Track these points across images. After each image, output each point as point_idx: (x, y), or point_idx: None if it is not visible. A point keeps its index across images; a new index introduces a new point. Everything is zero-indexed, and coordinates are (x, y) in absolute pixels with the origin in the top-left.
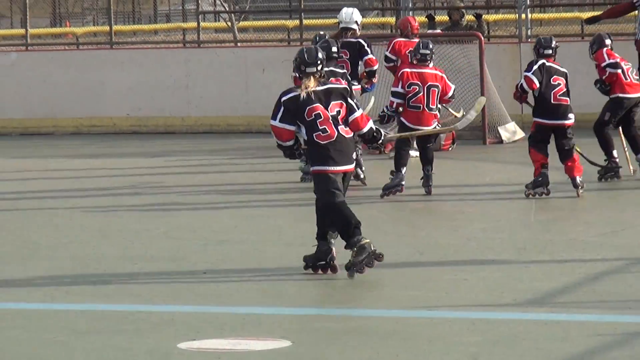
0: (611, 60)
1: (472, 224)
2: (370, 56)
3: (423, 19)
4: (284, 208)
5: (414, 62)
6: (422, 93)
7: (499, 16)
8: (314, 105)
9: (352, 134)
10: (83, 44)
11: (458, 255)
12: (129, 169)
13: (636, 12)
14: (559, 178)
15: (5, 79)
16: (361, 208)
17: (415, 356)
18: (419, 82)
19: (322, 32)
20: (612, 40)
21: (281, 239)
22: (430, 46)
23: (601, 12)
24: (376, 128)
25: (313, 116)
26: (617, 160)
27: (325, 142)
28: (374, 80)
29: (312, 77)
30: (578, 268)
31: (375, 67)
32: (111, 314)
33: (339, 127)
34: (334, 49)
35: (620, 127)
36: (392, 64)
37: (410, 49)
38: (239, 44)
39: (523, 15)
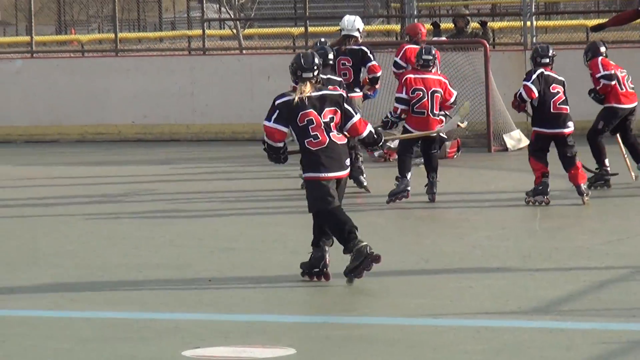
0: (606, 72)
1: (477, 231)
2: (374, 63)
3: (428, 26)
4: (289, 215)
5: (417, 67)
6: (426, 98)
7: (504, 23)
8: (308, 110)
9: (345, 141)
10: (88, 52)
11: (463, 263)
12: (134, 177)
13: None
14: (563, 186)
15: (10, 86)
16: (367, 216)
17: None
18: (423, 88)
19: (323, 39)
20: (606, 48)
21: (286, 246)
22: (433, 52)
23: (606, 19)
24: (376, 131)
25: (305, 122)
26: (609, 169)
27: (316, 148)
28: (377, 87)
29: (308, 83)
30: (583, 276)
31: (379, 74)
32: (116, 321)
33: (331, 134)
34: (330, 55)
35: (618, 135)
36: (401, 70)
37: None
38: (244, 52)
39: (528, 23)
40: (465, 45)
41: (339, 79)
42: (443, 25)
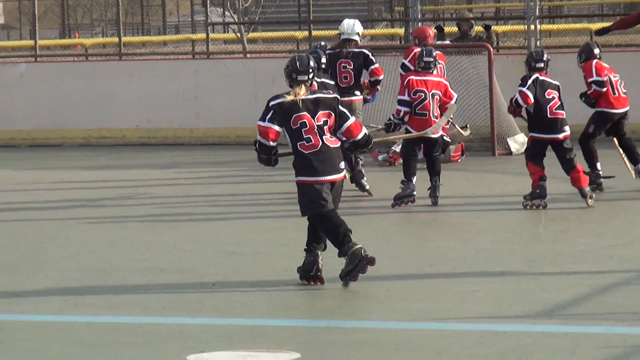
0: (598, 78)
1: (481, 235)
2: (377, 66)
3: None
4: (293, 219)
5: (418, 69)
6: (427, 100)
7: (508, 27)
8: (301, 113)
9: (339, 144)
10: (92, 55)
11: (467, 267)
12: (138, 181)
13: None
14: (567, 189)
15: (14, 90)
16: (370, 220)
17: None
18: (424, 90)
19: (323, 43)
20: (600, 50)
21: (291, 250)
22: (434, 54)
23: (611, 23)
24: (368, 134)
25: (299, 124)
26: (601, 172)
27: (308, 151)
28: (377, 90)
29: (303, 85)
30: (587, 280)
31: (381, 77)
32: (120, 326)
33: (324, 137)
34: (324, 59)
35: (615, 139)
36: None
37: None
38: (248, 55)
39: (532, 26)
40: (469, 48)
41: (332, 82)
42: (447, 29)
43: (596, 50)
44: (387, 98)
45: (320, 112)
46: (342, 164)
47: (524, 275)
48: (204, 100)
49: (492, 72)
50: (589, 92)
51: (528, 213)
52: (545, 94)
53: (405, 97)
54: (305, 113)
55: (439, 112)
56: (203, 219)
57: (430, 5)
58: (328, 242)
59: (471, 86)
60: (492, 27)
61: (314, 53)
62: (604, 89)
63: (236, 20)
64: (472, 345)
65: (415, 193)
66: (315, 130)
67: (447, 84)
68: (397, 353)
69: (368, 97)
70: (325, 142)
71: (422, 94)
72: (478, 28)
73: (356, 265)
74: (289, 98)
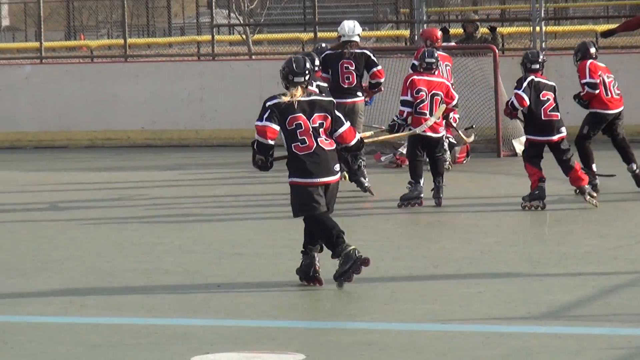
0: (590, 80)
1: (486, 236)
2: (379, 68)
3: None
4: (298, 221)
5: (421, 70)
6: (427, 100)
7: (514, 29)
8: (297, 114)
9: (334, 147)
10: (97, 57)
11: (472, 268)
12: (143, 182)
13: None
14: (572, 190)
15: (19, 92)
16: (375, 221)
17: None
18: (425, 89)
19: (323, 44)
20: (597, 49)
21: (295, 251)
22: (436, 55)
23: (616, 25)
24: (360, 139)
25: (294, 126)
26: (596, 174)
27: (302, 153)
28: (380, 89)
29: (299, 87)
30: (592, 281)
31: (382, 80)
32: (125, 327)
33: (319, 139)
34: (317, 62)
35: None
36: None
37: (441, 62)
38: (253, 57)
39: (537, 28)
40: (474, 50)
41: (325, 84)
42: (452, 31)
43: (592, 50)
44: (392, 99)
45: (316, 115)
46: (337, 167)
47: (529, 276)
48: (209, 102)
49: (498, 74)
50: (581, 94)
51: (533, 214)
52: (540, 95)
53: (408, 98)
54: (300, 114)
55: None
56: (208, 221)
57: (436, 7)
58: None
59: (476, 88)
60: (498, 29)
61: (307, 56)
62: (596, 91)
63: (241, 22)
64: (477, 347)
65: (422, 195)
66: (310, 132)
67: (449, 84)
68: (402, 354)
69: (366, 100)
70: (320, 144)
71: (423, 94)
72: (483, 30)
73: (350, 266)
74: (285, 99)
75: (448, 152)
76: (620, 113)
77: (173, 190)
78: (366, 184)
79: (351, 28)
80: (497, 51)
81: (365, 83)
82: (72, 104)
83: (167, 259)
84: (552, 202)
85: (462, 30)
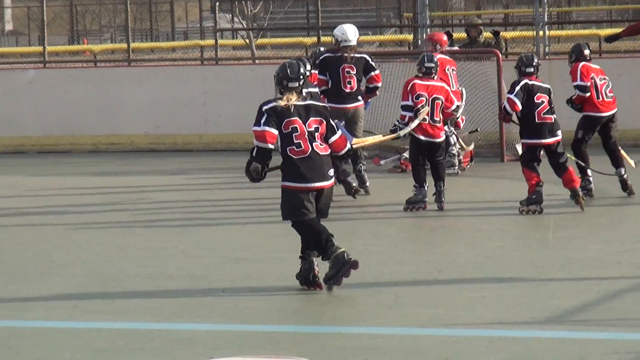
0: (581, 83)
1: (490, 241)
2: (377, 72)
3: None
4: None
5: (420, 75)
6: (428, 105)
7: (517, 33)
8: (293, 118)
9: (328, 152)
10: (101, 61)
11: (476, 273)
12: (147, 187)
13: None
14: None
15: (23, 97)
16: (379, 225)
17: None
18: (426, 94)
19: (322, 48)
20: (591, 51)
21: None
22: (435, 59)
23: (620, 29)
24: (350, 148)
25: (290, 129)
26: (591, 178)
27: (297, 157)
28: (375, 94)
29: (294, 92)
30: (596, 286)
31: (380, 84)
32: (130, 332)
33: (314, 144)
34: (308, 66)
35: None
36: None
37: (448, 65)
38: (256, 61)
39: (541, 33)
40: (478, 54)
41: (316, 89)
42: (456, 35)
43: (586, 52)
44: (395, 104)
45: (312, 119)
46: (331, 172)
47: (533, 281)
48: (212, 107)
49: (501, 78)
50: (573, 98)
51: (536, 219)
52: (535, 98)
53: (409, 103)
54: (296, 118)
55: (441, 117)
56: (212, 225)
57: (439, 11)
58: None
59: (480, 92)
60: (501, 33)
61: (300, 60)
62: (587, 94)
63: (245, 26)
64: (481, 351)
65: (426, 200)
66: (306, 136)
67: (449, 89)
68: (406, 359)
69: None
70: (315, 148)
71: (424, 99)
72: (487, 34)
73: (339, 269)
74: (282, 103)
75: (457, 157)
76: (613, 116)
77: (177, 194)
78: (354, 186)
79: (352, 32)
80: (500, 55)
81: (361, 87)
82: (76, 109)
83: (171, 263)
84: (555, 207)
85: (466, 35)
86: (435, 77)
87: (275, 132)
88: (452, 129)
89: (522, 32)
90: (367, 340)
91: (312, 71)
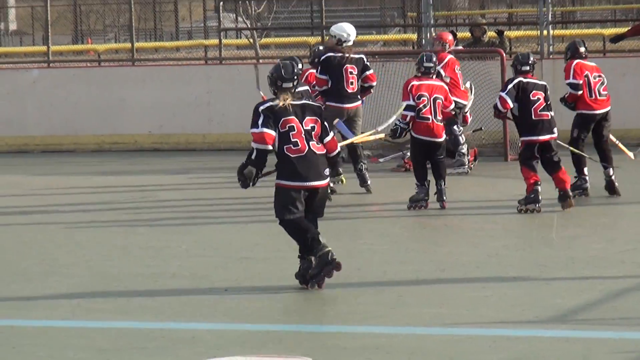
0: (573, 81)
1: (493, 240)
2: (372, 71)
3: None
4: None
5: (419, 75)
6: (429, 105)
7: (521, 32)
8: (290, 117)
9: (324, 152)
10: (105, 61)
11: (479, 272)
12: (150, 186)
13: None
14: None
15: (27, 96)
16: (382, 224)
17: None
18: (427, 94)
19: (321, 47)
20: (586, 48)
21: None
22: (434, 59)
23: (625, 29)
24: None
25: (287, 128)
26: (587, 177)
27: (294, 155)
28: (369, 93)
29: (288, 92)
30: (599, 285)
31: (375, 83)
32: (132, 331)
33: (311, 143)
34: (300, 66)
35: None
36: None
37: (456, 65)
38: (260, 61)
39: (545, 32)
40: (482, 54)
41: (306, 88)
42: (460, 35)
43: (582, 49)
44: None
45: (308, 118)
46: (327, 171)
47: (536, 280)
48: (216, 106)
49: (505, 78)
50: (566, 96)
51: (540, 218)
52: (530, 95)
53: (411, 102)
54: (293, 117)
55: (442, 116)
56: (215, 224)
57: (443, 11)
58: None
59: (484, 91)
60: (505, 33)
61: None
62: (579, 92)
63: (249, 25)
64: (484, 351)
65: (427, 198)
66: (303, 134)
67: (448, 88)
68: (409, 358)
69: None
70: (312, 147)
71: (425, 99)
72: (491, 33)
73: (322, 269)
74: (280, 104)
75: (467, 157)
76: (607, 114)
77: (180, 194)
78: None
79: (353, 31)
80: (504, 55)
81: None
82: (80, 108)
83: (174, 263)
84: (557, 205)
85: (470, 34)
86: (434, 77)
87: (274, 133)
88: (461, 128)
89: (526, 31)
90: (370, 340)
91: (311, 70)
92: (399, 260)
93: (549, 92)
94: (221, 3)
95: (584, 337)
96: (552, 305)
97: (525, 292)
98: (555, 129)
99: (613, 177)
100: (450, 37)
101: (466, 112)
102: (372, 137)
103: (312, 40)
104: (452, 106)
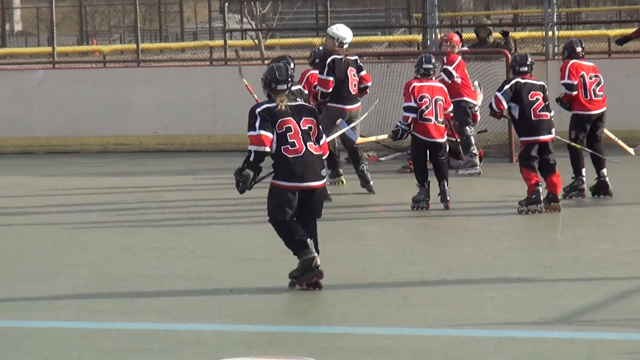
0: (568, 81)
1: (498, 241)
2: (365, 72)
3: None
4: None
5: (418, 76)
6: (431, 106)
7: (526, 33)
8: (287, 118)
9: (321, 152)
10: (110, 62)
11: (484, 273)
12: (155, 187)
13: None
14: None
15: (32, 97)
16: (387, 225)
17: None
18: (428, 96)
19: (321, 48)
20: (583, 48)
21: None
22: (433, 60)
23: (632, 30)
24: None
25: (284, 129)
26: (584, 179)
27: (291, 156)
28: (365, 93)
29: (283, 94)
30: (604, 286)
31: (370, 84)
32: (137, 332)
33: (308, 143)
34: (292, 65)
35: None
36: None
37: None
38: (265, 62)
39: (550, 33)
40: (487, 55)
41: (299, 87)
42: (465, 35)
43: (578, 49)
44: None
45: (304, 118)
46: (324, 172)
47: (541, 281)
48: (221, 107)
49: None
50: (561, 96)
51: (545, 219)
52: (529, 96)
53: (412, 104)
54: (290, 118)
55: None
56: (220, 225)
57: (448, 12)
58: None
59: (489, 92)
60: (510, 34)
61: (284, 60)
62: (574, 92)
63: (254, 26)
64: (489, 352)
65: (427, 199)
66: (300, 135)
67: (446, 90)
68: (414, 359)
69: None
70: (309, 148)
71: (427, 100)
72: (496, 34)
73: (303, 274)
74: (279, 107)
75: (476, 158)
76: (602, 114)
77: (185, 195)
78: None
79: (350, 33)
80: (509, 56)
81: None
82: (85, 109)
83: (179, 264)
84: (563, 207)
85: (475, 35)
86: (433, 79)
87: (271, 135)
88: (472, 129)
89: (531, 32)
90: (375, 341)
91: (312, 71)
92: (404, 261)
93: (547, 93)
94: (226, 4)
95: (589, 338)
96: (557, 307)
97: (530, 293)
98: (553, 130)
99: (607, 178)
100: (457, 37)
101: (475, 111)
102: (373, 139)
103: (317, 41)
104: (451, 108)
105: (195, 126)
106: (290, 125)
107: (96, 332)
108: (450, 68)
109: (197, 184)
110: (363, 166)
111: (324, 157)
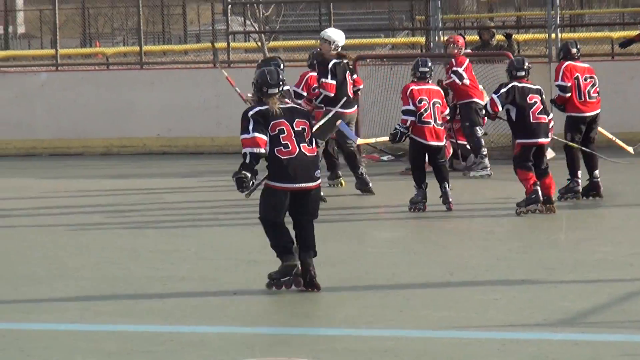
0: (561, 83)
1: (501, 243)
2: (357, 75)
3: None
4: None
5: (415, 79)
6: (430, 109)
7: (529, 36)
8: (280, 120)
9: (315, 153)
10: (113, 64)
11: (488, 275)
12: (159, 190)
13: None
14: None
15: (35, 100)
16: (389, 227)
17: None
18: (427, 98)
19: (319, 49)
20: (578, 50)
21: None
22: (429, 63)
23: (635, 33)
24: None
25: (277, 131)
26: (579, 181)
27: (285, 157)
28: (357, 96)
29: (274, 98)
30: (607, 288)
31: (362, 87)
32: (140, 334)
33: (302, 145)
34: (282, 66)
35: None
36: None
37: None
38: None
39: (553, 35)
40: (490, 57)
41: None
42: (468, 38)
43: (574, 50)
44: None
45: (297, 120)
46: (318, 173)
47: (544, 283)
48: (224, 109)
49: None
50: (555, 98)
51: (549, 221)
52: (527, 99)
53: (411, 107)
54: (283, 120)
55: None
56: (223, 227)
57: (451, 14)
58: (317, 248)
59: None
60: (513, 36)
61: (274, 63)
62: (567, 94)
63: (257, 29)
64: (492, 354)
65: (424, 200)
66: (294, 137)
67: (443, 93)
68: None
69: None
70: (303, 149)
71: (425, 103)
72: (499, 37)
73: (281, 278)
74: (270, 106)
75: (487, 159)
76: (597, 116)
77: (188, 197)
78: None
79: (344, 36)
80: (512, 58)
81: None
82: (88, 111)
83: (183, 266)
84: (565, 208)
85: (478, 37)
86: (430, 82)
87: (265, 137)
88: (483, 130)
89: (535, 34)
90: (378, 343)
91: (310, 73)
92: (407, 263)
93: (544, 97)
94: (229, 6)
95: (592, 340)
96: (561, 308)
97: (533, 295)
98: (549, 133)
99: (599, 180)
100: (462, 40)
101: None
102: (373, 140)
103: None
104: (447, 111)
105: (198, 128)
106: (283, 127)
107: (99, 334)
108: (460, 70)
109: (201, 186)
110: (361, 170)
111: (320, 159)
